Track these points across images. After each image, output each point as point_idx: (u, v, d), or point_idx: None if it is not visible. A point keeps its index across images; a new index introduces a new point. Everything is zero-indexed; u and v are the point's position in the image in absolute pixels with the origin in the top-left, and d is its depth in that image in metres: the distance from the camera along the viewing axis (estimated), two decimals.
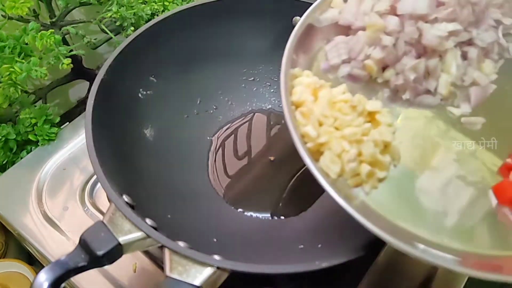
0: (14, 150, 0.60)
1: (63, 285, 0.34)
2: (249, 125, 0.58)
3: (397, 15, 0.40)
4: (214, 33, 0.55)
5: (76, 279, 0.46)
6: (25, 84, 0.55)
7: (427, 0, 0.39)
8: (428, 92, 0.40)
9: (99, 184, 0.55)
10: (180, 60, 0.55)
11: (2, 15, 0.55)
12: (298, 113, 0.37)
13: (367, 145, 0.35)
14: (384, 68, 0.41)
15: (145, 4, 0.62)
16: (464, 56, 0.41)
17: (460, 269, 0.31)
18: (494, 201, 0.36)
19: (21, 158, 0.59)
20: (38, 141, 0.59)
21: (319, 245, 0.42)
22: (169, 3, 0.63)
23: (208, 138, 0.56)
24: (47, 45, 0.52)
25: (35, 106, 0.60)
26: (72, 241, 0.50)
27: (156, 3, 0.63)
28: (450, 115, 0.40)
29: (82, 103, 0.75)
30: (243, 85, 0.59)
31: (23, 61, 0.53)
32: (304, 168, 0.49)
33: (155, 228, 0.36)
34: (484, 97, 0.41)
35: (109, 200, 0.37)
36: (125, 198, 0.38)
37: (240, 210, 0.50)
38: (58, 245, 0.50)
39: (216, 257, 0.34)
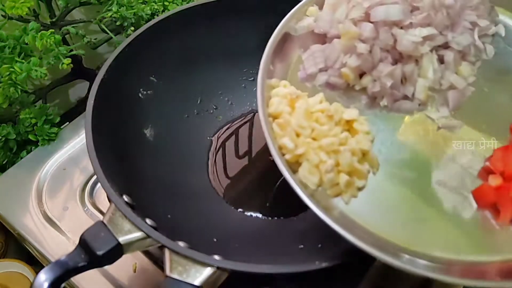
0: (14, 150, 0.60)
1: (63, 285, 0.34)
2: (249, 125, 0.58)
3: (371, 22, 0.40)
4: (214, 33, 0.55)
5: (76, 279, 0.46)
6: (25, 84, 0.54)
7: (400, 6, 0.39)
8: (406, 97, 0.40)
9: (99, 184, 0.55)
10: (180, 60, 0.55)
11: (2, 15, 0.55)
12: (275, 125, 0.37)
13: (344, 155, 0.35)
14: (361, 75, 0.41)
15: (145, 4, 0.62)
16: (441, 60, 0.41)
17: (443, 278, 0.31)
18: (474, 205, 0.36)
19: (21, 158, 0.60)
20: (38, 141, 0.59)
21: (319, 245, 0.42)
22: (169, 3, 0.63)
23: (208, 138, 0.56)
24: (47, 45, 0.52)
25: (35, 106, 0.60)
26: (72, 241, 0.50)
27: (156, 3, 0.63)
28: (428, 119, 0.40)
29: (82, 103, 0.75)
30: (243, 85, 0.59)
31: (23, 61, 0.53)
32: None
33: (155, 228, 0.36)
34: (462, 100, 0.41)
35: (109, 200, 0.37)
36: (125, 198, 0.38)
37: (240, 210, 0.50)
38: (58, 245, 0.50)
39: (216, 257, 0.34)
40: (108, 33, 0.62)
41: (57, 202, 0.54)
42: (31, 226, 0.52)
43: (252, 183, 0.53)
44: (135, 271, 0.48)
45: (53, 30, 0.54)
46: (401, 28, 0.39)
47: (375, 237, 0.34)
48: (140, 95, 0.52)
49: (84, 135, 0.41)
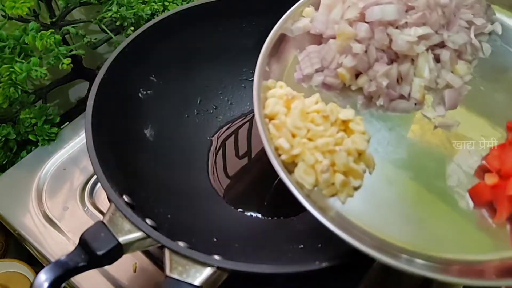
0: (14, 150, 0.60)
1: (63, 285, 0.34)
2: (249, 125, 0.58)
3: (367, 22, 0.40)
4: (214, 33, 0.55)
5: (76, 279, 0.46)
6: (25, 84, 0.55)
7: (395, 6, 0.39)
8: (402, 97, 0.40)
9: (99, 184, 0.55)
10: (180, 60, 0.55)
11: (2, 15, 0.55)
12: (271, 126, 0.37)
13: (339, 155, 0.35)
14: (357, 75, 0.41)
15: (145, 4, 0.62)
16: (437, 59, 0.41)
17: (440, 277, 0.31)
18: (471, 204, 0.36)
19: (21, 158, 0.60)
20: (38, 141, 0.59)
21: (319, 245, 0.42)
22: (169, 3, 0.63)
23: (208, 138, 0.56)
24: (47, 45, 0.52)
25: (35, 106, 0.60)
26: (72, 241, 0.50)
27: (156, 3, 0.63)
28: (425, 118, 0.40)
29: (82, 103, 0.75)
30: (243, 85, 0.59)
31: (23, 61, 0.53)
32: None
33: (155, 228, 0.36)
34: (458, 99, 0.41)
35: (109, 200, 0.37)
36: (125, 198, 0.38)
37: (240, 210, 0.50)
38: (58, 245, 0.50)
39: (216, 257, 0.34)
40: (108, 33, 0.62)
41: (57, 202, 0.54)
42: (31, 226, 0.52)
43: (252, 183, 0.53)
44: (135, 271, 0.48)
45: (53, 30, 0.54)
46: (397, 27, 0.40)
47: (371, 237, 0.34)
48: (140, 95, 0.52)
49: (84, 135, 0.41)
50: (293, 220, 0.49)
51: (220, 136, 0.56)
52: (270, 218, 0.49)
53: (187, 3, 0.61)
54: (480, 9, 0.43)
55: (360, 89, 0.41)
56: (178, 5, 0.64)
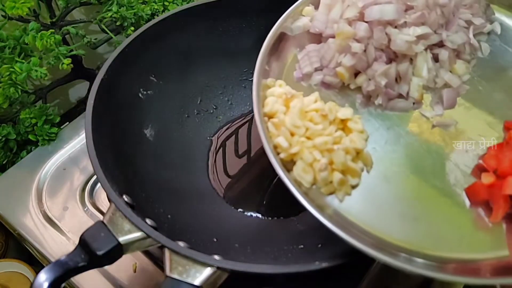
0: (14, 150, 0.60)
1: (63, 285, 0.34)
2: (249, 125, 0.58)
3: (366, 22, 0.40)
4: (214, 33, 0.55)
5: (76, 279, 0.46)
6: (25, 84, 0.55)
7: (394, 6, 0.39)
8: (400, 96, 0.40)
9: (99, 184, 0.55)
10: (180, 60, 0.55)
11: (2, 15, 0.55)
12: (270, 124, 0.37)
13: (337, 153, 0.35)
14: (356, 74, 0.41)
15: (145, 4, 0.62)
16: (436, 58, 0.41)
17: (437, 275, 0.31)
18: (467, 203, 0.36)
19: (21, 158, 0.60)
20: (38, 141, 0.59)
21: (319, 245, 0.42)
22: (169, 3, 0.63)
23: (208, 138, 0.56)
24: (47, 45, 0.52)
25: (35, 106, 0.60)
26: (72, 241, 0.50)
27: (156, 3, 0.63)
28: (423, 117, 0.40)
29: (82, 103, 0.75)
30: (243, 85, 0.59)
31: (23, 61, 0.53)
32: None
33: (155, 228, 0.36)
34: (457, 98, 0.41)
35: (109, 200, 0.37)
36: (125, 198, 0.38)
37: (240, 210, 0.50)
38: (58, 245, 0.50)
39: (216, 257, 0.34)
40: (108, 33, 0.62)
41: (57, 202, 0.54)
42: (31, 226, 0.52)
43: (252, 183, 0.53)
44: (135, 271, 0.48)
45: (53, 30, 0.54)
46: (395, 27, 0.40)
47: (368, 235, 0.34)
48: (140, 95, 0.52)
49: (84, 135, 0.41)
50: (293, 220, 0.49)
51: (220, 136, 0.56)
52: (270, 218, 0.49)
53: (187, 3, 0.61)
54: (479, 9, 0.43)
55: (359, 88, 0.41)
56: (178, 5, 0.64)
